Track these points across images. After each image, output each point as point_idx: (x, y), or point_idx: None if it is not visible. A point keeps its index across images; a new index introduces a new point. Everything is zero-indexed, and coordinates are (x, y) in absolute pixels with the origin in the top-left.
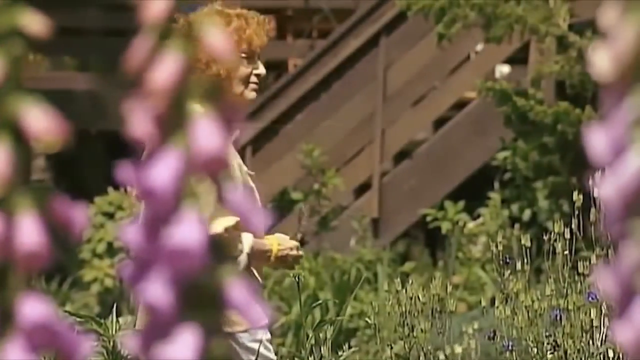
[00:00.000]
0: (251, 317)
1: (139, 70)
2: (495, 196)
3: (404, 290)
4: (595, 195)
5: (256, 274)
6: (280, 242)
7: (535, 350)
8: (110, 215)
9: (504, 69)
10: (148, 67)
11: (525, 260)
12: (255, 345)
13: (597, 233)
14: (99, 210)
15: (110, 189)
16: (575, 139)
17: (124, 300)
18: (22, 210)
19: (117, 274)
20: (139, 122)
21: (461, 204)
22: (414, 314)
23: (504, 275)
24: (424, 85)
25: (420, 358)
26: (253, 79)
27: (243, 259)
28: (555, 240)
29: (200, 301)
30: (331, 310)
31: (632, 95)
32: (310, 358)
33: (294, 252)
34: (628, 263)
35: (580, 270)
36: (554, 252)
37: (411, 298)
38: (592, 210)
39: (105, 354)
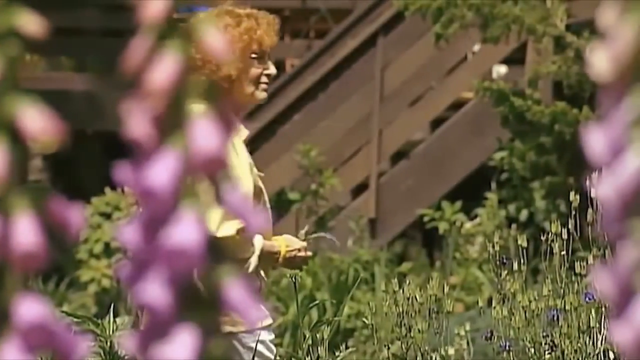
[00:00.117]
0: (250, 318)
1: (136, 71)
2: (492, 196)
3: (401, 291)
4: (593, 195)
5: (262, 274)
6: (288, 244)
7: (532, 350)
8: (107, 216)
9: (501, 70)
10: (146, 68)
11: (522, 261)
12: (258, 346)
13: (594, 233)
14: (96, 210)
15: (107, 190)
16: (572, 139)
17: (121, 301)
18: (19, 211)
19: (114, 275)
20: (137, 122)
21: (458, 204)
22: (411, 315)
23: (501, 275)
24: (421, 85)
25: (418, 358)
26: (263, 79)
27: (254, 260)
28: (553, 240)
29: (198, 301)
30: (328, 311)
31: (630, 95)
32: (307, 358)
33: (302, 253)
34: (626, 263)
35: (578, 270)
36: (551, 253)
37: (408, 298)
38: (589, 210)
39: (102, 354)
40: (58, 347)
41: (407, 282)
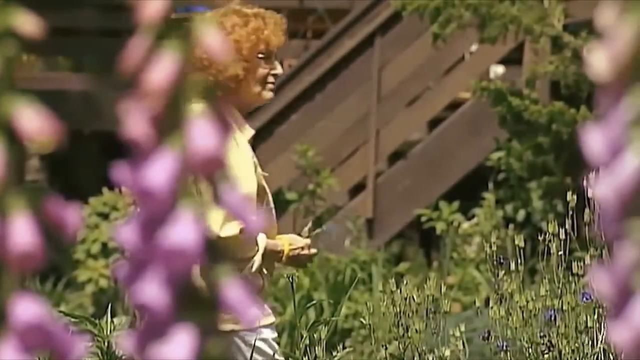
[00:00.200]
0: (247, 318)
1: (134, 71)
2: (489, 196)
3: (398, 291)
4: (590, 195)
5: (266, 273)
6: (291, 242)
7: (529, 350)
8: (104, 216)
9: (498, 70)
10: (144, 68)
11: (520, 261)
12: (261, 344)
13: (592, 233)
14: (94, 210)
15: (104, 190)
16: (570, 139)
17: (118, 301)
18: (16, 211)
19: (111, 275)
20: (134, 122)
21: (456, 204)
22: (408, 315)
23: (498, 275)
24: (418, 85)
25: (415, 358)
26: (270, 79)
27: (258, 259)
28: (550, 240)
29: (196, 301)
30: (326, 311)
31: (629, 95)
32: (304, 358)
33: (306, 252)
34: (625, 263)
35: (575, 270)
36: (549, 253)
37: (406, 298)
38: (587, 210)
39: (99, 354)
40: (55, 347)
41: (405, 282)
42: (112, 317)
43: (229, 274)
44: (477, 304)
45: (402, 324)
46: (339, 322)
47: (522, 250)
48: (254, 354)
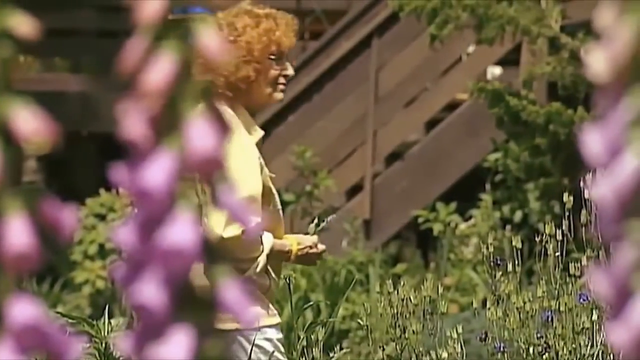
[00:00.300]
0: (244, 318)
1: (132, 72)
2: (486, 197)
3: (395, 292)
4: (587, 196)
5: (272, 273)
6: (299, 241)
7: (527, 352)
8: (101, 217)
9: (495, 71)
10: (142, 69)
11: (517, 262)
12: (266, 344)
13: (589, 235)
14: (91, 212)
15: (102, 191)
16: (567, 140)
17: (115, 302)
18: (12, 212)
19: (108, 276)
20: (132, 123)
21: (453, 205)
22: (405, 316)
23: (495, 276)
24: (416, 86)
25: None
26: (281, 80)
27: (262, 259)
28: (547, 241)
29: (194, 302)
30: (323, 312)
31: (628, 95)
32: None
33: (314, 250)
34: (623, 264)
35: (572, 271)
36: (546, 254)
37: (403, 299)
38: (584, 211)
39: (97, 355)
40: (52, 348)
41: (402, 283)
42: (109, 318)
43: (227, 275)
44: (475, 305)
45: (399, 325)
46: (336, 323)
47: (519, 252)
48: (258, 354)
